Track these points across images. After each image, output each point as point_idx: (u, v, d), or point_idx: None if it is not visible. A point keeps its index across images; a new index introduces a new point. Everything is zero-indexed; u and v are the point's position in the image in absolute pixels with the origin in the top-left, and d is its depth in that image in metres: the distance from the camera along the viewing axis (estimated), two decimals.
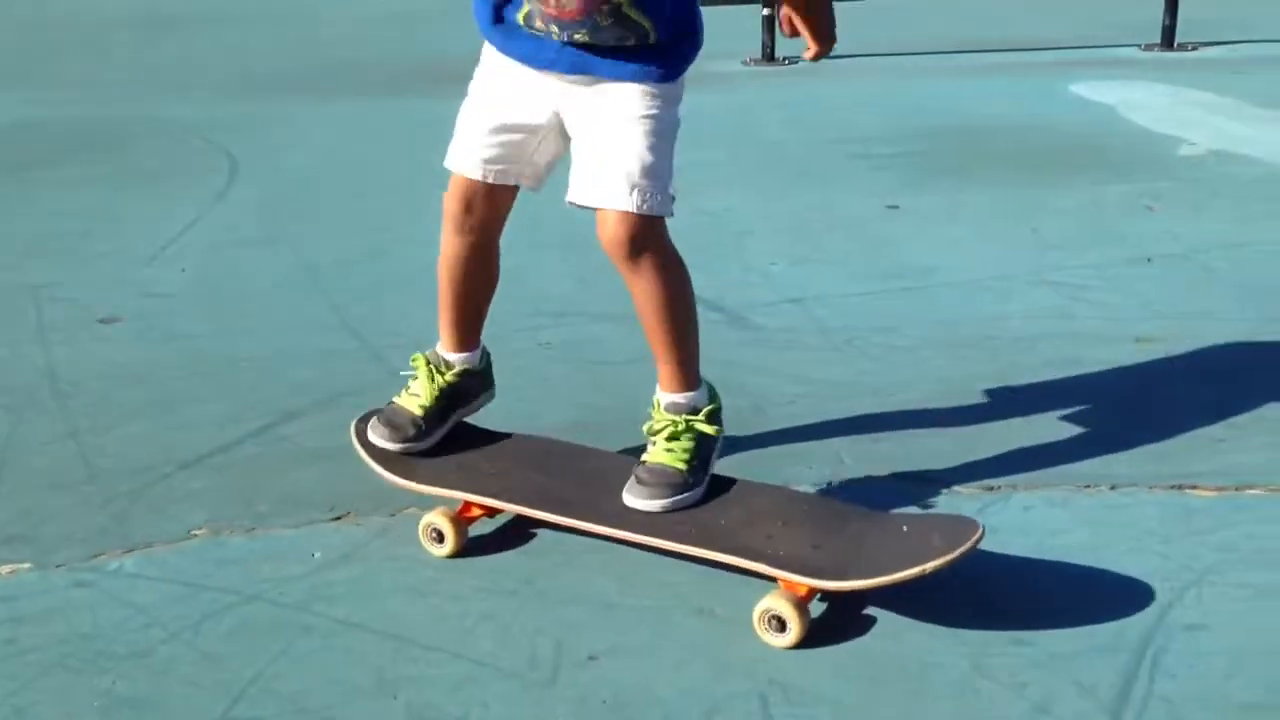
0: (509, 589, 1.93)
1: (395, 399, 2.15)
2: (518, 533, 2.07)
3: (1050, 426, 2.41)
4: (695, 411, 2.00)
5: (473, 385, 2.17)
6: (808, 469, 2.23)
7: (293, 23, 8.28)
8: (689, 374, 2.00)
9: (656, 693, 1.69)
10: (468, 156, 2.00)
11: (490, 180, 1.99)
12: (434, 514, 2.01)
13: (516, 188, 2.03)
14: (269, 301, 3.15)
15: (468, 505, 2.03)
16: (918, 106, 5.13)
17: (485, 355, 2.19)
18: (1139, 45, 6.54)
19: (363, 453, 2.13)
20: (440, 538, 2.00)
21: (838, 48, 1.98)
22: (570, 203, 1.95)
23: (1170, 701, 1.65)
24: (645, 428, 2.01)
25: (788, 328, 2.91)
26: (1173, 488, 2.16)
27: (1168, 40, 6.49)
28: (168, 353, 2.85)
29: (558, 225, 3.72)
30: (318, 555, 2.02)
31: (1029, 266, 3.29)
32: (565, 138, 1.98)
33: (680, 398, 1.99)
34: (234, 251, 3.55)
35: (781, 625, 1.77)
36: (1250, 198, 3.81)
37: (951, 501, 2.14)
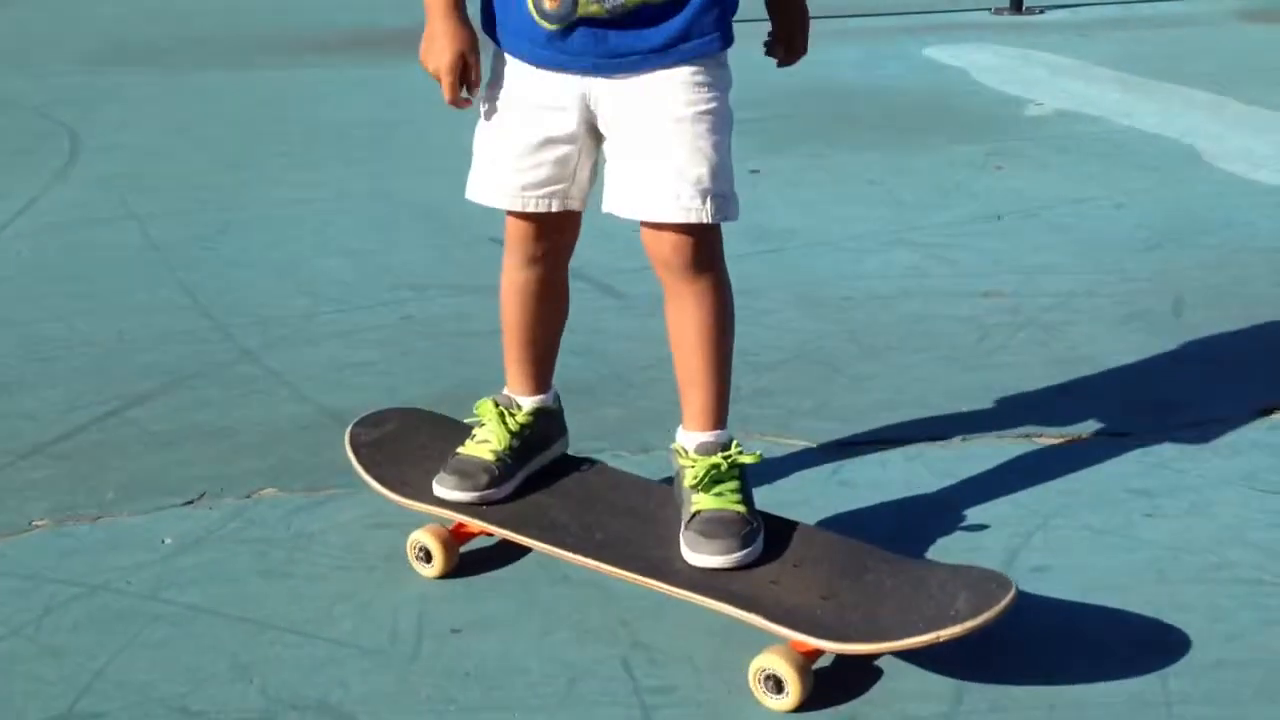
0: (368, 565, 1.89)
1: (460, 450, 1.90)
2: (375, 508, 2.03)
3: (904, 382, 2.46)
4: (727, 446, 1.79)
5: (550, 428, 1.94)
6: (668, 433, 2.24)
7: None
8: (724, 408, 1.80)
9: (520, 663, 1.69)
10: (502, 186, 1.77)
11: (533, 209, 1.77)
12: (422, 532, 1.85)
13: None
14: (112, 282, 3.03)
15: (462, 524, 1.87)
16: (776, 72, 5.18)
17: (557, 397, 1.97)
18: (989, 9, 6.71)
19: (351, 456, 1.95)
20: (428, 557, 1.84)
21: None
22: (617, 215, 1.73)
23: (1019, 642, 1.70)
24: (688, 483, 1.76)
25: (651, 294, 2.88)
26: (1020, 437, 2.24)
27: (1016, 4, 6.67)
28: (3, 339, 2.72)
29: (413, 196, 3.68)
30: (168, 541, 1.96)
31: (885, 226, 3.36)
32: (598, 141, 1.77)
33: (710, 436, 1.79)
34: (75, 232, 3.40)
35: (779, 686, 1.59)
36: (1091, 155, 3.95)
37: (810, 459, 2.18)
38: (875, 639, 1.58)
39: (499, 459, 1.87)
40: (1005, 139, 4.15)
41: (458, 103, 1.77)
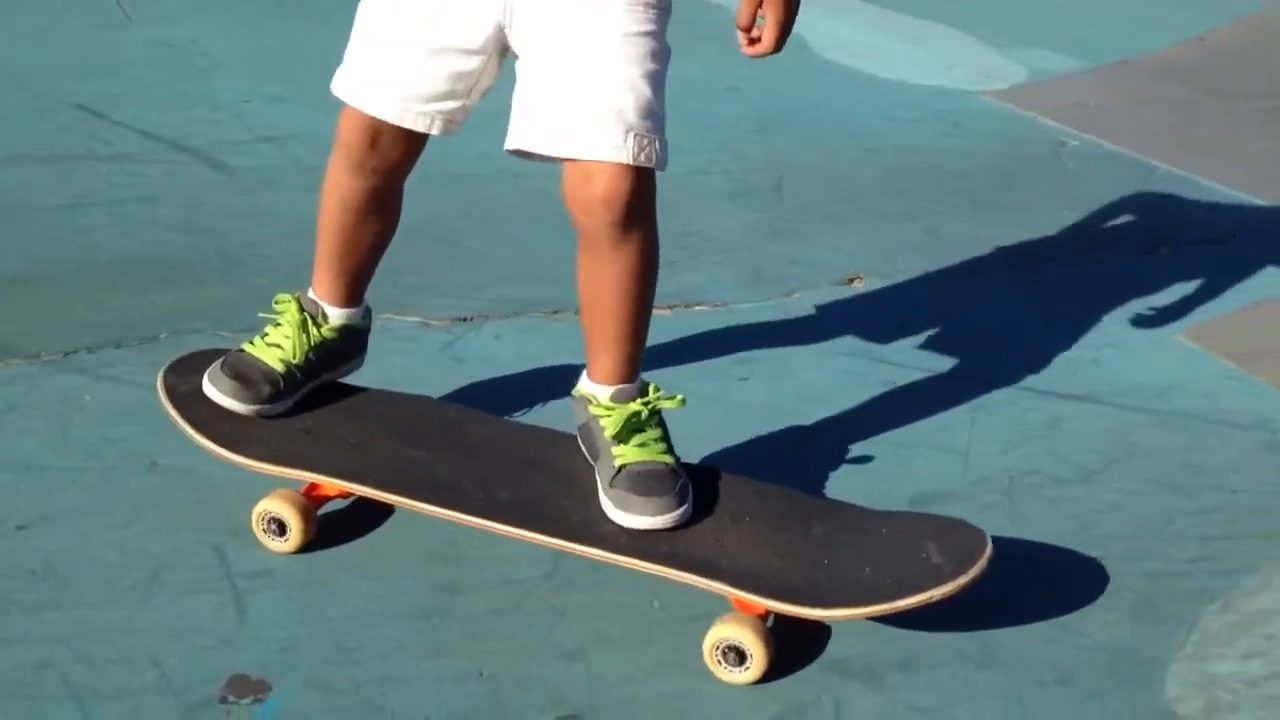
0: None
1: (246, 346, 1.66)
2: None
3: (522, 258, 2.46)
4: (644, 391, 1.63)
5: (349, 346, 1.73)
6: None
7: None
8: (638, 362, 1.63)
9: (98, 556, 1.57)
10: (389, 93, 1.53)
11: (423, 129, 1.55)
12: (271, 500, 1.58)
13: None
14: None
15: (315, 484, 1.62)
16: None
17: (368, 312, 1.76)
18: None
19: (172, 411, 1.64)
20: (281, 530, 1.57)
21: None
22: (525, 152, 1.53)
23: None
24: (608, 434, 1.59)
25: (261, 168, 2.75)
26: None
27: None
28: None
29: None
30: None
31: (508, 104, 3.32)
32: (501, 58, 1.56)
33: (625, 386, 1.63)
34: None
35: (741, 658, 1.47)
36: (708, 41, 4.00)
37: (425, 336, 2.14)
38: (857, 602, 1.46)
39: (288, 371, 1.65)
40: None
41: None
